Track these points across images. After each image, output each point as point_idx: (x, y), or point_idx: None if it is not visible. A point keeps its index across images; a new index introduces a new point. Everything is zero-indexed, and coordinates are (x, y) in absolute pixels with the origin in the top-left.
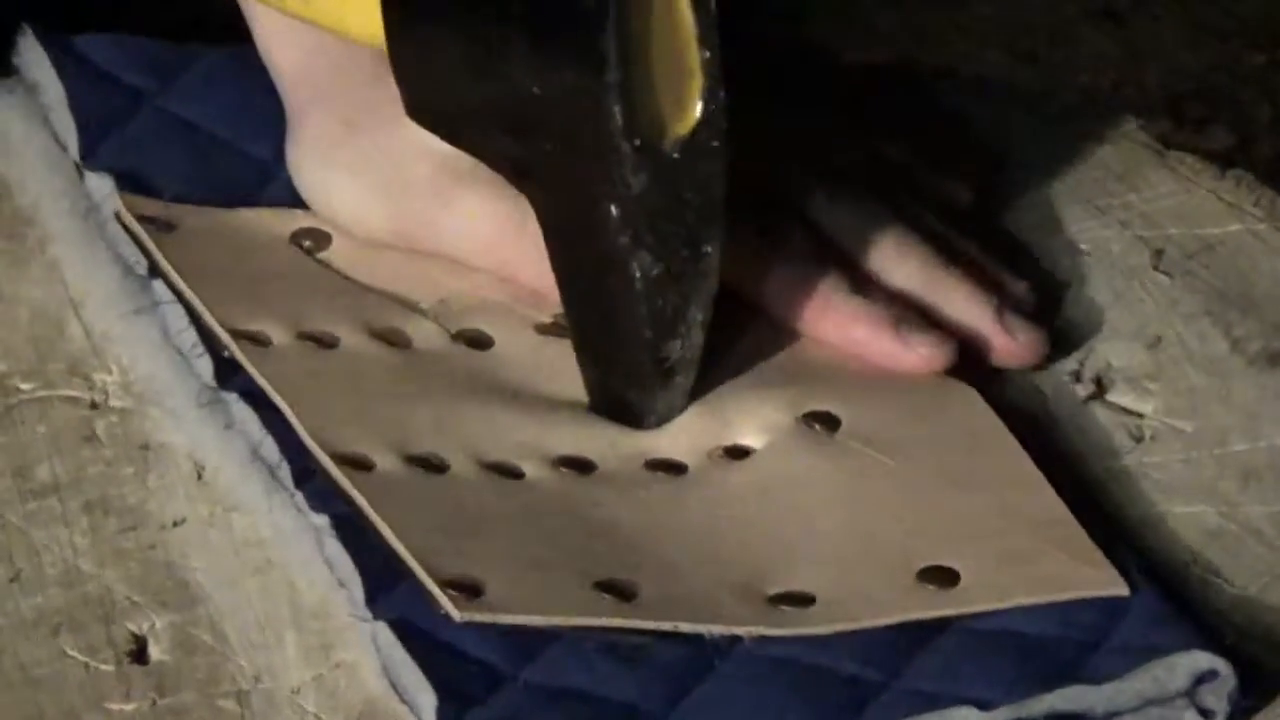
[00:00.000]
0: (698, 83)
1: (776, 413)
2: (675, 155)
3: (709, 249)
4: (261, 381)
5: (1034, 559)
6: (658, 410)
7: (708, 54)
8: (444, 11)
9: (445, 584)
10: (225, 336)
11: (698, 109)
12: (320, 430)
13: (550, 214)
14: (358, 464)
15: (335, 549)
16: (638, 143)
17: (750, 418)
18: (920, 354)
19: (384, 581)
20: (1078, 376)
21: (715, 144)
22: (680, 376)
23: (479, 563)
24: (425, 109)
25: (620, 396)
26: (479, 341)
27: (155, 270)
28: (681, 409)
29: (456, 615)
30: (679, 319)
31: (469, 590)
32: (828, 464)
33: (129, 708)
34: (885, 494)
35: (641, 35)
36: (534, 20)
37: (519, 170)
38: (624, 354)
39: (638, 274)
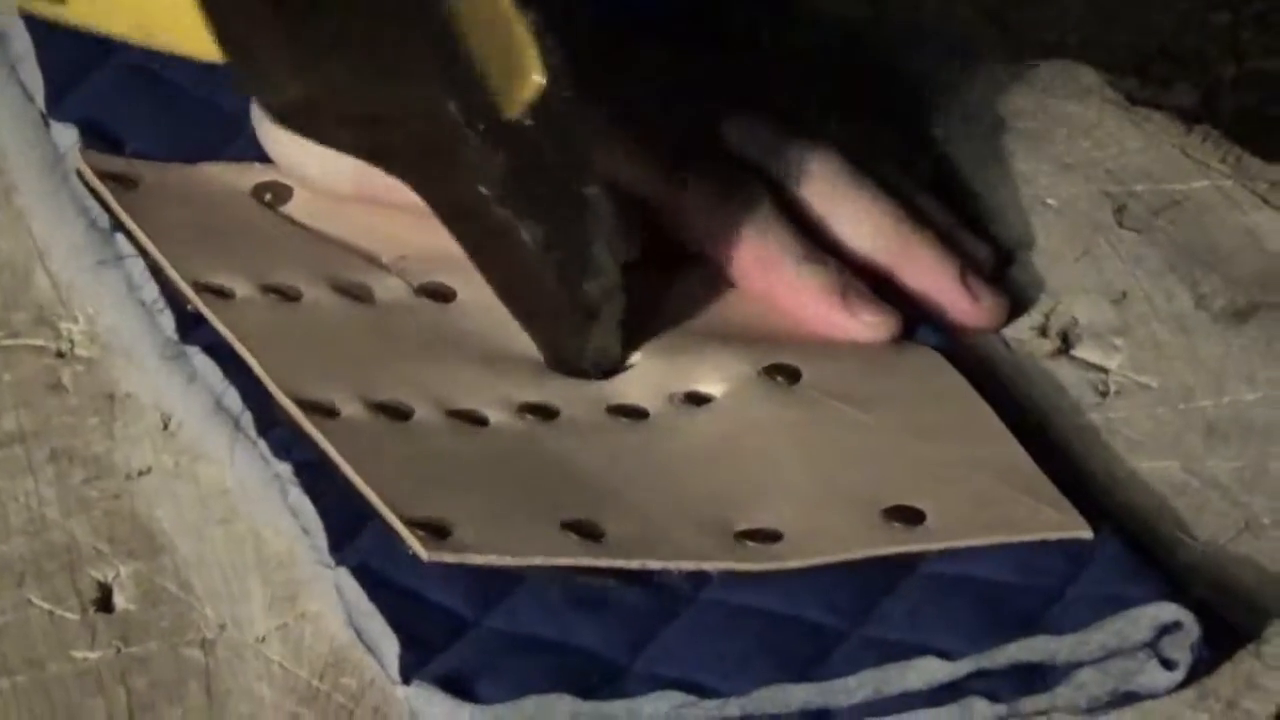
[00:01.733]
0: (532, 50)
1: (737, 363)
2: (529, 123)
3: (592, 191)
4: (225, 332)
5: (999, 501)
6: (592, 350)
7: (532, 17)
8: (272, 13)
9: (412, 525)
10: (188, 290)
11: (538, 73)
12: (284, 379)
13: (425, 194)
14: (322, 410)
15: (298, 497)
16: (483, 127)
17: (711, 367)
18: (865, 323)
19: (349, 529)
20: (1043, 331)
21: (567, 97)
22: (606, 312)
23: (446, 504)
24: (269, 107)
25: (553, 341)
26: (441, 294)
27: (118, 224)
28: (617, 348)
29: (424, 555)
30: (586, 261)
31: (436, 531)
32: (790, 411)
33: (94, 656)
34: (849, 440)
35: (461, 21)
36: (363, 24)
37: (376, 157)
38: (542, 303)
39: (526, 237)
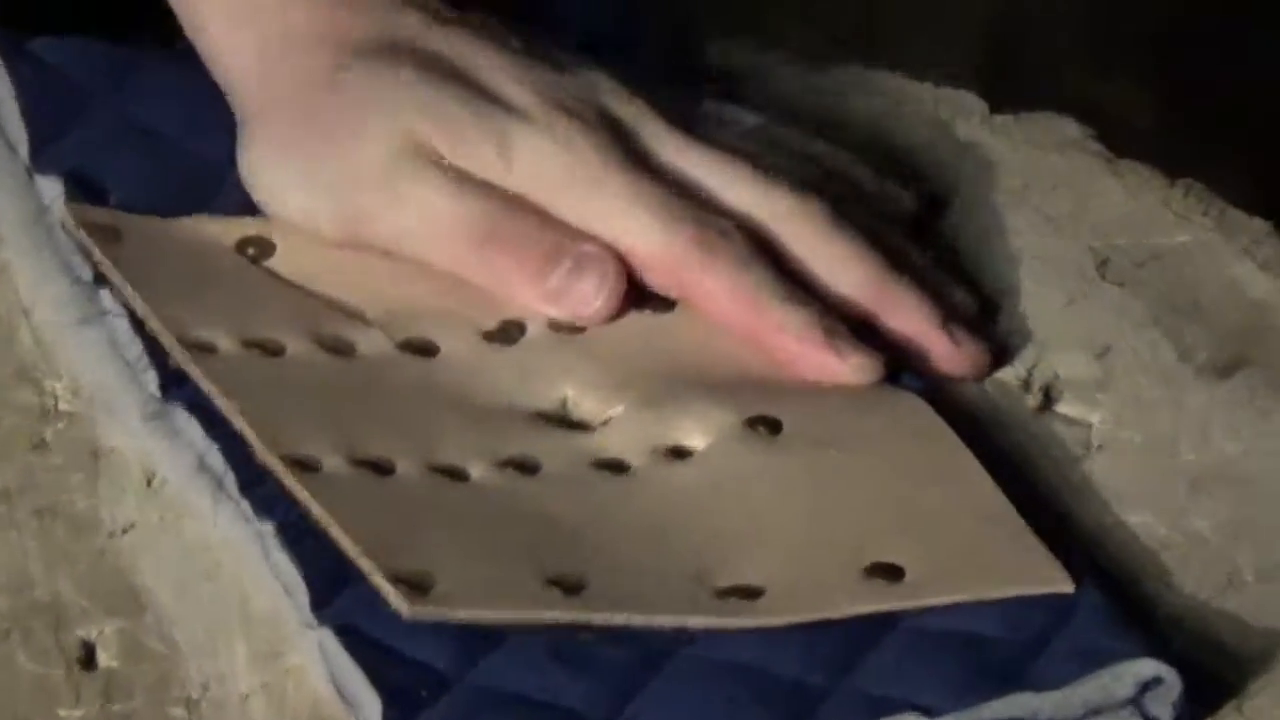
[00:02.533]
0: None
1: (720, 415)
2: None
3: None
4: (208, 387)
5: (980, 554)
6: None
7: None
8: None
9: (395, 579)
10: (172, 344)
11: None
12: (267, 433)
13: None
14: (305, 465)
15: (280, 556)
16: None
17: (693, 420)
18: (851, 365)
19: (332, 587)
20: (1027, 386)
21: None
22: None
23: (429, 558)
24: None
25: None
26: (425, 349)
27: (102, 279)
28: None
29: (406, 611)
30: None
31: (418, 586)
32: (771, 462)
33: (78, 714)
34: (830, 491)
35: None
36: None
37: None
38: None
39: None
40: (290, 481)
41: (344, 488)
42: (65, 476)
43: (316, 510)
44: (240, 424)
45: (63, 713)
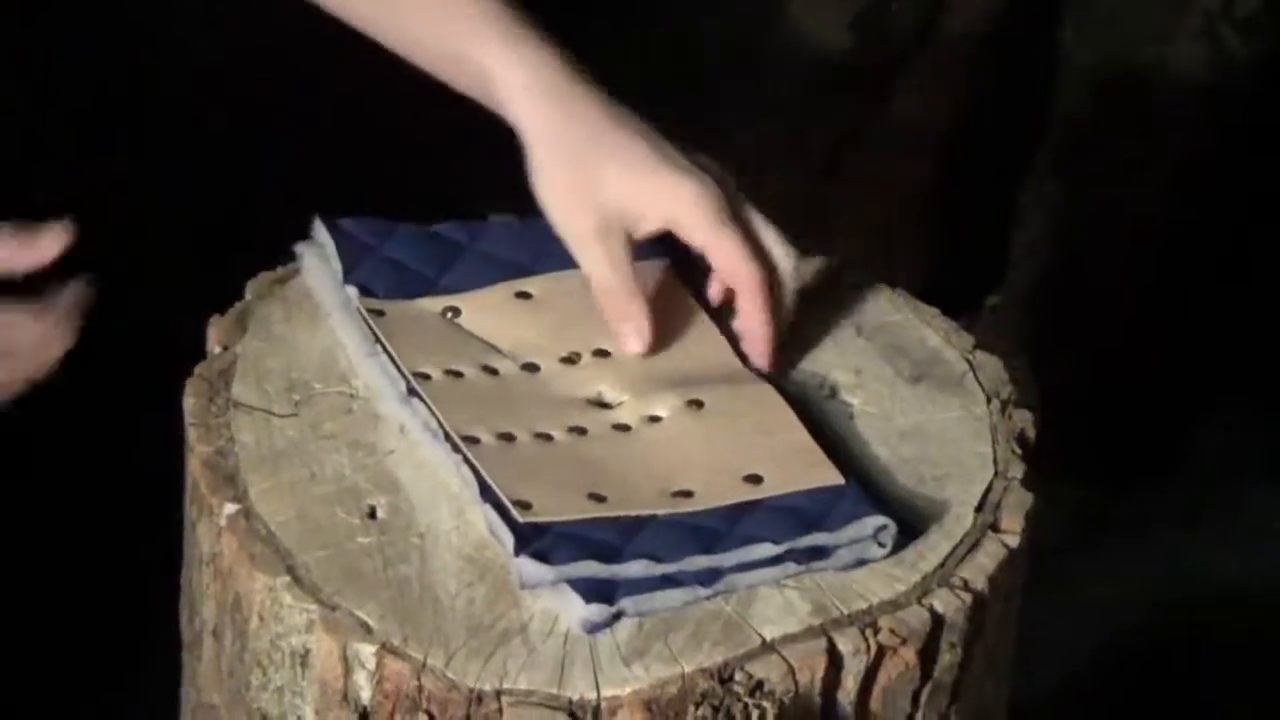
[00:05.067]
0: None
1: (674, 399)
2: None
3: None
4: (424, 396)
5: (798, 468)
6: None
7: None
8: None
9: (514, 502)
10: (407, 373)
11: None
12: (453, 421)
13: None
14: (470, 439)
15: (464, 471)
16: None
17: (660, 402)
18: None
19: (487, 491)
20: (821, 386)
21: None
22: None
23: (528, 491)
24: None
25: None
26: (532, 368)
27: (376, 334)
28: None
29: (519, 518)
30: None
31: (525, 506)
32: (699, 424)
33: (366, 540)
34: (727, 437)
35: None
36: None
37: None
38: None
39: None
40: (464, 451)
41: (488, 450)
42: (361, 426)
43: (478, 466)
44: (438, 415)
45: (359, 540)
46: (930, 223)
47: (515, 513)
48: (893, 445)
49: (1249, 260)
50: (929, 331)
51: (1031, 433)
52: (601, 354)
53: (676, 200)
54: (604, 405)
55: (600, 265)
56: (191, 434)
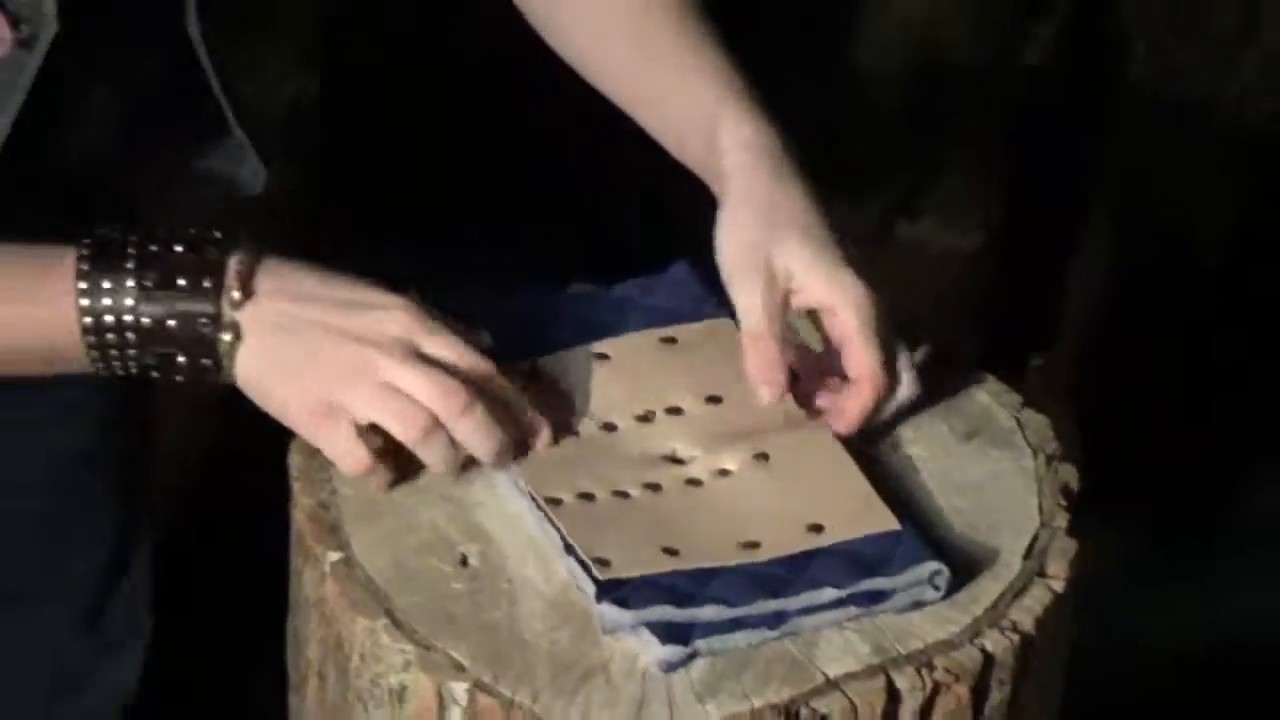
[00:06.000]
0: None
1: (742, 454)
2: None
3: None
4: (549, 513)
5: (858, 515)
6: None
7: None
8: None
9: (594, 560)
10: (539, 500)
11: None
12: (539, 483)
13: None
14: (555, 500)
15: (548, 528)
16: None
17: (729, 456)
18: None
19: (569, 550)
20: (885, 440)
21: None
22: None
23: (606, 548)
24: None
25: None
26: (610, 426)
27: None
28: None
29: (599, 575)
30: None
31: (604, 564)
32: (765, 477)
33: (460, 586)
34: (789, 490)
35: None
36: None
37: None
38: None
39: None
40: (546, 510)
41: (569, 511)
42: (453, 481)
43: (558, 523)
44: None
45: (452, 585)
46: (982, 288)
47: (595, 570)
48: (948, 496)
49: None
50: (980, 392)
51: (1075, 485)
52: (674, 411)
53: (845, 291)
54: (677, 461)
55: (756, 313)
56: (296, 488)
